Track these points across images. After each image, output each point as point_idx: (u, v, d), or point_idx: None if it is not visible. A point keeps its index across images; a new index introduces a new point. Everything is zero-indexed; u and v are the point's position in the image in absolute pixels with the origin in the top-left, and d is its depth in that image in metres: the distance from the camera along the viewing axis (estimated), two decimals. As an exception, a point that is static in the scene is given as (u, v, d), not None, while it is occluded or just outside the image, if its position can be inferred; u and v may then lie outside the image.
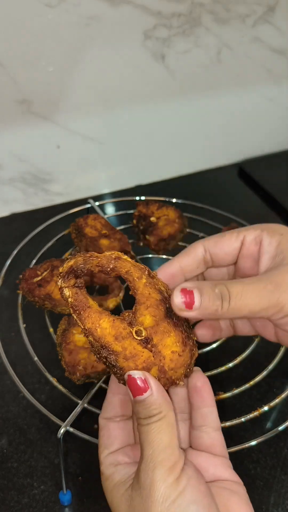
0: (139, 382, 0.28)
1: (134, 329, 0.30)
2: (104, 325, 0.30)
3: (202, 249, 0.33)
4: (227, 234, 0.34)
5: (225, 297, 0.28)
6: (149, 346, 0.30)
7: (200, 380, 0.32)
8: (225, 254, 0.33)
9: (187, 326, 0.32)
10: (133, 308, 0.31)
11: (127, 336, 0.30)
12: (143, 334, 0.30)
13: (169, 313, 0.31)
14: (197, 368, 0.32)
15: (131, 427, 0.34)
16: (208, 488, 0.28)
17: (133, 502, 0.27)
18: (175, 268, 0.33)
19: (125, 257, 0.32)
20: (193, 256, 0.33)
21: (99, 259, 0.31)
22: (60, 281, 0.31)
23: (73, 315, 0.31)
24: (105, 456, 0.31)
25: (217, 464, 0.31)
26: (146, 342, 0.30)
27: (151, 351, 0.30)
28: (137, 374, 0.29)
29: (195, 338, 0.32)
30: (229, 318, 0.31)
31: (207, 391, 0.32)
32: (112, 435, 0.32)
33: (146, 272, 0.32)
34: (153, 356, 0.30)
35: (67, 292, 0.31)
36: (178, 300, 0.29)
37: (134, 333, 0.30)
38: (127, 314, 0.31)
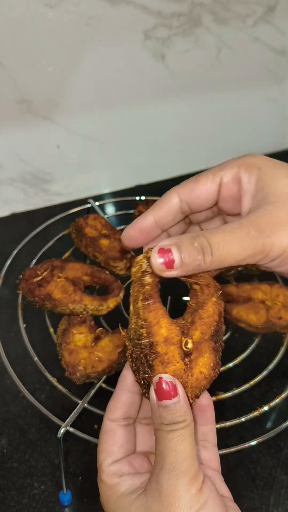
0: (169, 386, 0.28)
1: (185, 340, 0.30)
2: (162, 324, 0.30)
3: (177, 198, 0.31)
4: (202, 177, 0.31)
5: (206, 249, 0.27)
6: (186, 359, 0.30)
7: (206, 399, 0.32)
8: (203, 200, 0.31)
9: (220, 355, 0.32)
10: (189, 317, 0.31)
11: (175, 343, 0.30)
12: (189, 347, 0.30)
13: (215, 337, 0.31)
14: None
15: (134, 435, 0.33)
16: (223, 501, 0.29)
17: (150, 509, 0.27)
18: (149, 223, 0.31)
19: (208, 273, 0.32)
20: (167, 208, 0.31)
21: None
22: (145, 264, 0.30)
23: (134, 304, 0.30)
24: (108, 465, 0.30)
25: (216, 479, 0.31)
26: (188, 355, 0.30)
27: (186, 364, 0.30)
28: (168, 378, 0.28)
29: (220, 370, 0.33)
30: (213, 269, 0.29)
31: (211, 410, 0.33)
32: (118, 443, 0.31)
33: (219, 293, 0.32)
34: (184, 370, 0.29)
35: (148, 278, 0.30)
36: (156, 261, 0.28)
37: (183, 343, 0.30)
38: (183, 322, 0.31)
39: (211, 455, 0.32)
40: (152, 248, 0.29)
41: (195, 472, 0.27)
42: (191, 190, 0.31)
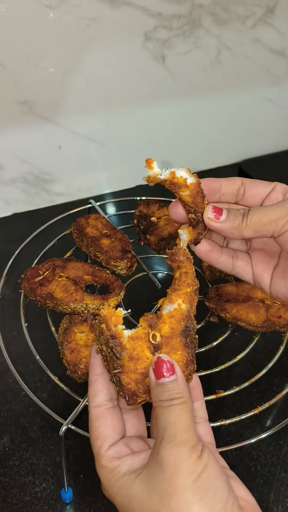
0: (167, 365, 0.30)
1: (152, 332, 0.31)
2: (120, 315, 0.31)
3: (240, 182, 0.37)
4: (261, 181, 0.38)
5: (246, 214, 0.34)
6: (156, 353, 0.30)
7: (193, 379, 0.33)
8: (256, 193, 0.37)
9: (194, 351, 0.32)
10: (160, 301, 0.32)
11: (142, 336, 0.31)
12: (158, 340, 0.31)
13: (186, 332, 0.32)
14: None
15: (122, 416, 0.34)
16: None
17: (152, 480, 0.27)
18: (217, 185, 0.37)
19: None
20: (232, 182, 0.37)
21: (178, 252, 0.34)
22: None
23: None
24: (106, 450, 0.31)
25: (212, 451, 0.32)
26: (157, 348, 0.31)
27: None
28: (166, 358, 0.30)
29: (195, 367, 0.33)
30: (248, 234, 0.34)
31: (198, 387, 0.34)
32: (110, 426, 0.32)
33: (196, 287, 0.34)
34: None
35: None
36: (210, 212, 0.35)
37: (150, 336, 0.31)
38: (151, 316, 0.32)
39: (204, 429, 0.34)
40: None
41: (194, 443, 0.28)
42: (252, 181, 0.37)
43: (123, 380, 0.30)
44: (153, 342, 0.31)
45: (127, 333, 0.31)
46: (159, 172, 0.35)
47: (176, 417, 0.28)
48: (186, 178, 0.34)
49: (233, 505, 0.27)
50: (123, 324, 0.31)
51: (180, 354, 0.31)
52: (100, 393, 0.32)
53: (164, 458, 0.27)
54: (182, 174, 0.35)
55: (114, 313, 0.30)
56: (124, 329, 0.31)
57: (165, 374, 0.29)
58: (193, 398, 0.34)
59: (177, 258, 0.34)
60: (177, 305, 0.32)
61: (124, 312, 0.32)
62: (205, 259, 0.39)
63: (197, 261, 0.63)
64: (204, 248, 0.38)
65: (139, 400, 0.31)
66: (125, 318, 0.32)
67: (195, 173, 0.35)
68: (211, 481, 0.27)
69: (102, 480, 0.31)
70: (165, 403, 0.29)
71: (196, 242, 0.36)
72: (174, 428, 0.28)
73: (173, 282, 0.34)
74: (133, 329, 0.31)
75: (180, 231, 0.37)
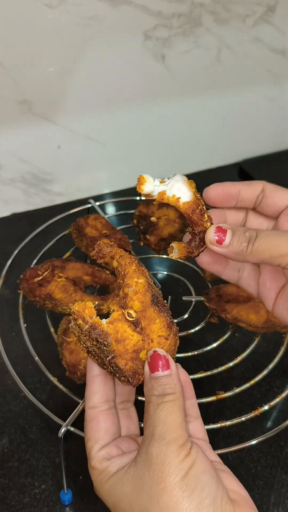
0: (162, 360, 0.30)
1: (126, 311, 0.32)
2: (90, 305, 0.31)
3: (261, 187, 0.35)
4: (283, 189, 0.36)
5: (252, 239, 0.31)
6: (138, 329, 0.31)
7: (184, 377, 0.33)
8: (274, 204, 0.35)
9: (169, 313, 0.33)
10: (120, 292, 0.33)
11: (119, 318, 0.31)
12: (134, 316, 0.31)
13: (154, 300, 0.32)
14: (177, 365, 0.33)
15: (118, 418, 0.34)
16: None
17: (141, 479, 0.28)
18: (234, 191, 0.34)
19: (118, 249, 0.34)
20: (253, 188, 0.35)
21: (100, 247, 0.34)
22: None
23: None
24: (96, 451, 0.31)
25: (204, 447, 0.32)
26: (136, 324, 0.31)
27: (140, 334, 0.31)
28: (162, 352, 0.31)
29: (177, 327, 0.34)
30: (252, 261, 0.32)
31: (189, 386, 0.34)
32: (103, 428, 0.32)
33: (136, 261, 0.34)
34: (142, 340, 0.31)
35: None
36: (211, 235, 0.32)
37: (126, 315, 0.31)
38: (118, 298, 0.33)
39: (196, 427, 0.34)
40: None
41: (184, 441, 0.28)
42: (274, 188, 0.35)
43: (119, 363, 0.30)
44: (130, 319, 0.31)
45: (104, 320, 0.31)
46: (151, 191, 0.33)
47: (166, 415, 0.28)
48: (179, 198, 0.33)
49: (222, 499, 0.27)
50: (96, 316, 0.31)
51: (159, 322, 0.32)
52: (96, 394, 0.33)
53: (153, 457, 0.27)
54: (175, 192, 0.33)
55: (85, 306, 0.31)
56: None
57: (159, 368, 0.30)
58: (184, 398, 0.33)
59: (104, 253, 0.34)
60: (135, 283, 0.33)
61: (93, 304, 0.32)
62: (208, 270, 0.38)
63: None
64: (205, 260, 0.36)
65: (141, 378, 0.31)
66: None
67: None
68: (198, 477, 0.27)
69: (93, 481, 0.31)
70: (157, 399, 0.29)
71: (193, 256, 0.35)
72: (164, 427, 0.28)
73: (117, 271, 0.34)
74: (107, 317, 0.32)
75: (172, 244, 0.36)
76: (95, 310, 0.31)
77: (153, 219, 0.66)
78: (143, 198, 0.73)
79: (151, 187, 0.33)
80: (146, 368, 0.30)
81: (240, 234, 0.32)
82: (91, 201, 0.71)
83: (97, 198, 0.77)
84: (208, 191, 0.35)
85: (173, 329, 0.32)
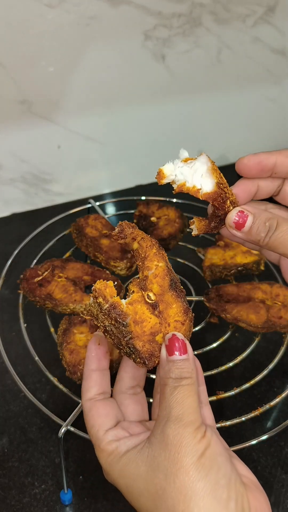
0: (180, 344, 0.30)
1: (146, 293, 0.32)
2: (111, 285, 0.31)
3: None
4: None
5: (271, 230, 0.31)
6: (156, 312, 0.31)
7: (196, 362, 0.34)
8: None
9: (185, 299, 0.33)
10: (140, 274, 0.33)
11: (139, 299, 0.31)
12: (153, 299, 0.32)
13: (173, 285, 0.32)
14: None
15: (117, 405, 0.34)
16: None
17: (156, 459, 0.28)
18: (270, 162, 0.33)
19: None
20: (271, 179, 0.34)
21: (122, 227, 0.34)
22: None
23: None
24: (103, 434, 0.31)
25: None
26: (155, 307, 0.31)
27: (158, 317, 0.31)
28: (180, 336, 0.31)
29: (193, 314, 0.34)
30: (268, 249, 0.32)
31: (200, 372, 0.35)
32: (103, 414, 0.32)
33: (157, 245, 0.34)
34: (159, 323, 0.31)
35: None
36: (232, 217, 0.32)
37: (146, 297, 0.31)
38: (138, 280, 0.33)
39: (205, 413, 0.34)
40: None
41: (199, 424, 0.28)
42: None
43: (136, 344, 0.30)
44: (149, 301, 0.31)
45: (123, 301, 0.31)
46: (172, 180, 0.33)
47: (183, 398, 0.29)
48: (199, 189, 0.32)
49: (236, 480, 0.28)
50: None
51: (175, 307, 0.32)
52: (93, 388, 0.33)
53: (169, 438, 0.28)
54: (197, 180, 0.32)
55: (106, 285, 0.31)
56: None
57: (176, 352, 0.30)
58: None
59: (126, 233, 0.33)
60: (155, 266, 0.33)
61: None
62: (230, 240, 0.37)
63: (197, 261, 0.63)
64: (227, 233, 0.35)
65: (156, 361, 0.31)
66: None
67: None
68: (214, 458, 0.28)
69: (103, 464, 0.31)
70: (174, 382, 0.29)
71: (211, 231, 0.34)
72: (181, 409, 0.28)
73: (136, 253, 0.34)
74: (127, 297, 0.32)
75: (194, 219, 0.35)
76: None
77: (153, 219, 0.66)
78: (143, 198, 0.73)
79: (171, 176, 0.33)
80: (163, 350, 0.31)
81: (260, 224, 0.31)
82: (91, 201, 0.71)
83: (97, 198, 0.77)
84: (241, 164, 0.33)
85: (189, 315, 0.32)
